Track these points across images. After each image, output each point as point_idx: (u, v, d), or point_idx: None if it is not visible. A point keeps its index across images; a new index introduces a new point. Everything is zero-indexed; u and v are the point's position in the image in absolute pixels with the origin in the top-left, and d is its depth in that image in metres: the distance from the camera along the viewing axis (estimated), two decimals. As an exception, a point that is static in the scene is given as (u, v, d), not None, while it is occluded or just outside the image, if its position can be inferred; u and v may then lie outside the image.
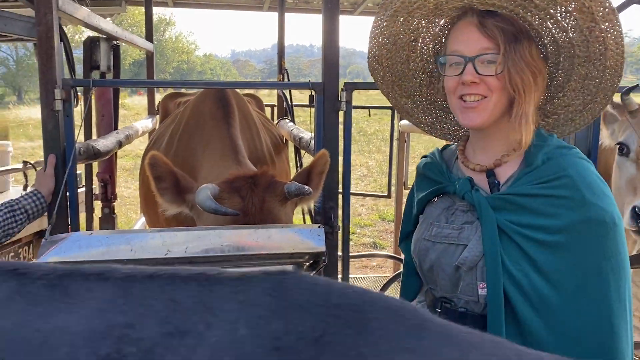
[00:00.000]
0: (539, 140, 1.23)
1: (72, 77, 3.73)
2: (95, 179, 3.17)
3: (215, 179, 1.88)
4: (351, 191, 2.33)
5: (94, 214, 3.10)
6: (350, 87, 2.00)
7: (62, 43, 3.65)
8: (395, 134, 3.96)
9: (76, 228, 1.99)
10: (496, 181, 1.27)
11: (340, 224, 2.06)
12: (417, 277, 1.39)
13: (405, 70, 1.35)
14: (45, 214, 1.87)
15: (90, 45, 2.84)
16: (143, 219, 3.79)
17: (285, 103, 3.82)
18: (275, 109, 4.35)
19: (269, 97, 5.89)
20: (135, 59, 33.40)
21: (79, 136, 2.05)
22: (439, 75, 1.33)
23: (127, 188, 8.99)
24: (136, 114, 18.09)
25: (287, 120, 3.59)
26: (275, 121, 3.92)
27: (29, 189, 3.26)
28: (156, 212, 2.49)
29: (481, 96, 1.17)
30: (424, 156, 1.45)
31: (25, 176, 3.21)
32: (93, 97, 2.91)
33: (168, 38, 44.09)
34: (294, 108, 3.80)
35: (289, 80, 4.03)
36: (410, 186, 1.49)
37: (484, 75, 1.15)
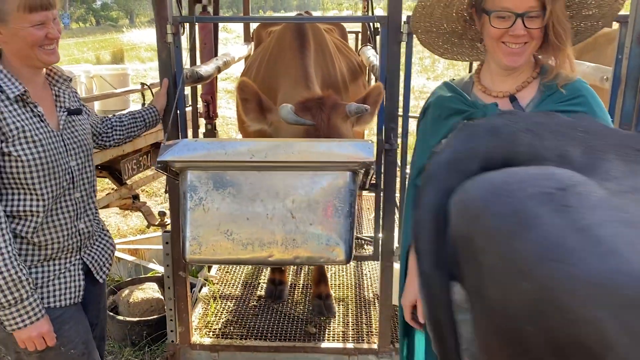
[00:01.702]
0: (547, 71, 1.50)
1: (180, 12, 4.22)
2: (199, 100, 3.68)
3: (289, 101, 2.26)
4: (412, 114, 2.64)
5: (198, 130, 3.64)
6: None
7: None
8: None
9: (184, 137, 2.50)
10: (520, 104, 1.55)
11: (399, 142, 2.39)
12: None
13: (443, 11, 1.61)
14: (159, 125, 2.39)
15: (194, -19, 3.24)
16: (239, 136, 4.30)
17: (368, 30, 4.06)
18: (359, 35, 4.59)
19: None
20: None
21: (186, 63, 2.50)
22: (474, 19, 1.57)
23: (229, 109, 9.68)
24: (237, 36, 18.75)
25: (369, 47, 3.85)
26: (360, 48, 4.19)
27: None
28: (245, 128, 2.96)
29: (523, 43, 1.44)
30: (437, 90, 1.71)
31: (143, 96, 3.79)
32: (197, 29, 3.35)
33: (268, -42, 43.76)
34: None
35: (372, 7, 4.24)
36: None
37: (530, 29, 1.42)
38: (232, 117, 9.00)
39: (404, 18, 2.23)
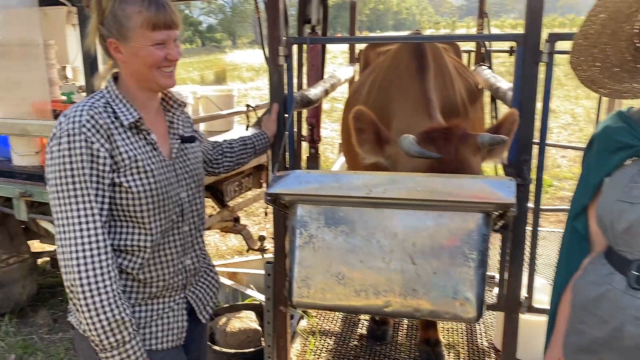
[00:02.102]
0: None
1: (286, 32, 4.16)
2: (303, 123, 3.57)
3: (407, 130, 2.05)
4: (549, 142, 2.31)
5: (301, 153, 3.52)
6: (554, 37, 1.96)
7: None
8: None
9: (294, 164, 2.35)
10: None
11: (533, 176, 2.09)
12: (586, 242, 1.45)
13: (609, 39, 1.35)
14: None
15: (304, 2, 3.14)
16: (341, 159, 4.16)
17: (483, 49, 3.77)
18: (473, 54, 4.30)
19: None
20: (332, 3, 34.36)
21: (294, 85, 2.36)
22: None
23: (325, 129, 9.64)
24: (333, 57, 18.89)
25: (484, 67, 3.56)
26: (472, 67, 3.90)
27: (250, 129, 3.80)
28: (356, 158, 2.78)
29: None
30: (607, 120, 1.44)
31: (247, 117, 3.75)
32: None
33: (366, -21, 44.24)
34: (493, 53, 3.73)
35: (489, 24, 3.94)
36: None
37: None
38: (328, 137, 8.94)
39: (544, 35, 1.95)
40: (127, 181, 1.45)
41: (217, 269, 3.91)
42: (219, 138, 2.12)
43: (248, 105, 3.74)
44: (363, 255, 1.68)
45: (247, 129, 3.87)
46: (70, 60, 4.55)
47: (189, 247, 1.67)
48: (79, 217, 1.37)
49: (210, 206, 5.53)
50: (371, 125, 1.94)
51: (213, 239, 5.06)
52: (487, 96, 3.45)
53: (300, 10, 3.18)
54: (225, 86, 5.05)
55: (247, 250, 3.78)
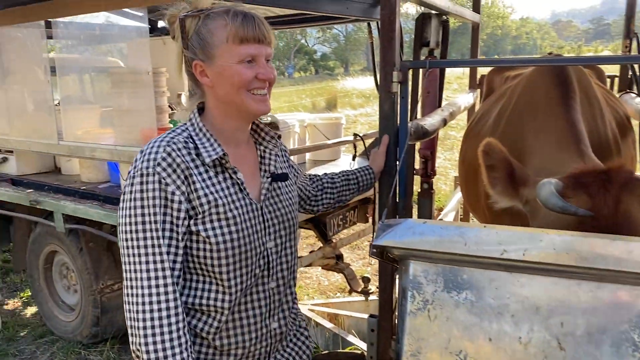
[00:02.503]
0: None
1: (401, 56, 3.89)
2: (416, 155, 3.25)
3: (549, 170, 1.67)
4: None
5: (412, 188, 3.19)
6: None
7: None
8: None
9: (404, 205, 2.05)
10: None
11: None
12: None
13: None
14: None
15: (422, 22, 2.85)
16: (457, 195, 3.76)
17: (631, 73, 3.24)
18: (617, 80, 3.73)
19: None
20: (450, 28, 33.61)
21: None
22: None
23: (437, 158, 9.18)
24: (447, 82, 18.29)
25: (633, 95, 3.03)
26: (617, 95, 3.36)
27: (357, 159, 3.55)
28: (477, 195, 2.41)
29: None
30: None
31: (355, 147, 3.50)
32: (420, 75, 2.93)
33: (484, 4, 43.07)
34: None
35: (638, 46, 3.39)
36: None
37: None
38: (440, 167, 8.47)
39: None
40: (205, 230, 1.23)
41: (318, 308, 3.68)
42: (325, 168, 1.90)
43: (356, 135, 3.51)
44: (493, 332, 1.33)
45: (353, 159, 3.64)
46: (185, 89, 4.61)
47: (276, 306, 1.41)
48: (147, 271, 1.17)
49: (308, 237, 5.36)
50: (504, 162, 1.59)
51: (315, 273, 4.84)
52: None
53: (417, 32, 2.89)
54: (334, 114, 4.89)
55: (350, 292, 3.49)
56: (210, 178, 1.26)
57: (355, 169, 1.94)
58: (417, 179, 3.29)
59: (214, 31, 1.26)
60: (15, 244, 3.82)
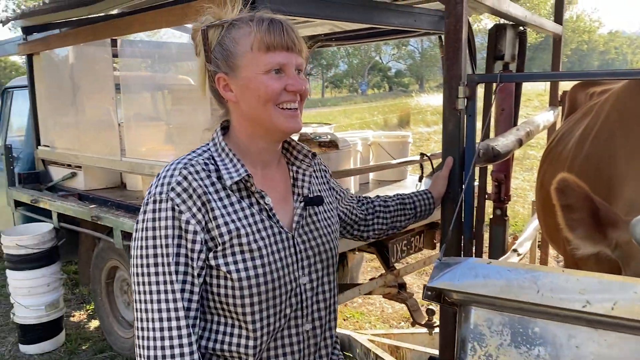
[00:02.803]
0: None
1: (473, 69, 3.63)
2: (488, 177, 2.98)
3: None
4: None
5: (483, 214, 2.92)
6: None
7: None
8: None
9: (469, 237, 1.82)
10: None
11: None
12: None
13: None
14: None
15: (496, 34, 2.62)
16: (534, 223, 3.44)
17: None
18: None
19: None
20: (530, 43, 32.42)
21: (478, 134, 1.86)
22: None
23: (515, 178, 8.69)
24: (527, 99, 17.50)
25: None
26: None
27: (424, 180, 3.32)
28: (557, 225, 2.13)
29: None
30: None
31: (421, 167, 3.29)
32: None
33: (568, 18, 41.24)
34: None
35: None
36: None
37: None
38: (519, 188, 7.99)
39: None
40: (226, 264, 1.08)
41: (378, 339, 3.45)
42: (389, 189, 1.71)
43: (423, 154, 3.29)
44: (571, 402, 1.10)
45: (420, 181, 3.41)
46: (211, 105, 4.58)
47: (311, 352, 1.23)
48: (159, 311, 1.03)
49: (373, 260, 5.13)
50: (585, 201, 1.33)
51: (378, 299, 4.61)
52: None
53: (490, 44, 2.65)
54: (400, 131, 4.68)
55: (412, 325, 3.25)
56: (232, 204, 1.11)
57: (413, 193, 1.75)
58: (489, 204, 3.03)
59: (238, 40, 1.12)
60: (80, 258, 3.89)
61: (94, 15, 3.29)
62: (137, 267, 1.06)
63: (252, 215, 1.13)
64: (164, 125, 3.31)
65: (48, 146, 4.06)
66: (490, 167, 2.92)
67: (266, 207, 1.15)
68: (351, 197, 1.58)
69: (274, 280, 1.11)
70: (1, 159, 4.38)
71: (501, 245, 2.86)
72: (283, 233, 1.16)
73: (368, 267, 5.25)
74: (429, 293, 1.26)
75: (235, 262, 1.08)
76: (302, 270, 1.19)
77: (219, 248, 1.08)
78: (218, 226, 1.08)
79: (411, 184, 3.82)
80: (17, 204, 4.05)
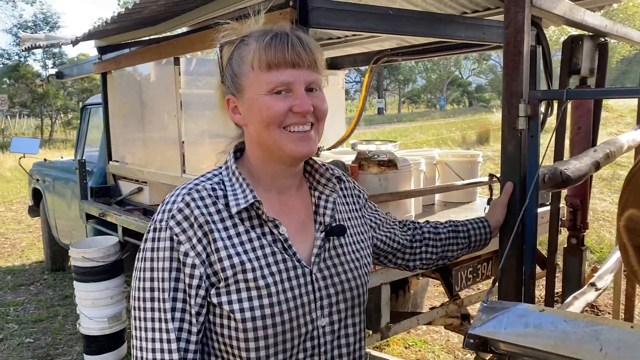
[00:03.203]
0: None
1: (549, 85, 3.36)
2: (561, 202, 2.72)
3: None
4: None
5: (556, 242, 2.66)
6: None
7: (539, 46, 3.32)
8: None
9: (530, 274, 1.62)
10: None
11: None
12: None
13: None
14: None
15: (571, 46, 2.38)
16: (616, 253, 3.11)
17: None
18: None
19: None
20: (624, 55, 30.35)
21: (544, 155, 1.66)
22: None
23: (602, 200, 8.07)
24: (619, 116, 16.34)
25: None
26: None
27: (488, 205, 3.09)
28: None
29: None
30: None
31: (491, 189, 3.06)
32: (569, 108, 2.46)
33: (666, 28, 38.34)
34: None
35: None
36: None
37: None
38: (606, 211, 7.40)
39: None
40: (230, 302, 0.97)
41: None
42: (456, 212, 1.55)
43: (492, 175, 3.07)
44: None
45: (488, 204, 3.18)
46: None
47: None
48: (153, 351, 0.95)
49: (436, 289, 4.86)
50: None
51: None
52: None
53: (565, 57, 2.42)
54: (469, 150, 4.42)
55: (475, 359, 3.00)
56: (238, 234, 1.00)
57: (467, 220, 1.57)
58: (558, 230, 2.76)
59: (244, 58, 1.03)
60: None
61: (159, 36, 3.37)
62: (134, 299, 0.99)
63: (262, 247, 1.01)
64: (222, 142, 3.30)
65: (118, 161, 4.20)
66: (564, 191, 2.66)
67: (280, 237, 1.04)
68: (393, 221, 1.43)
69: (284, 322, 0.99)
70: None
71: (577, 279, 2.58)
72: (299, 268, 1.04)
73: (436, 291, 5.01)
74: (471, 341, 1.10)
75: (240, 301, 0.97)
76: (321, 310, 1.06)
77: (222, 284, 0.97)
78: (220, 259, 0.97)
79: (481, 206, 3.58)
80: (88, 216, 4.21)
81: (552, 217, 2.62)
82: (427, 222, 1.55)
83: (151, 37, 3.45)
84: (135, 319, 0.98)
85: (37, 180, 5.74)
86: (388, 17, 2.64)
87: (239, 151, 1.14)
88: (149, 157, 3.75)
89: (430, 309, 2.94)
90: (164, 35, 3.37)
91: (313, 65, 1.03)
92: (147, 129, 3.76)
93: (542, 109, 3.34)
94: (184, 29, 3.24)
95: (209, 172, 1.10)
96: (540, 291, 3.84)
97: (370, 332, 2.74)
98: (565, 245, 2.64)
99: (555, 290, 2.72)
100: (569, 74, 2.44)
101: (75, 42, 3.58)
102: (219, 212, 1.01)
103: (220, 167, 1.11)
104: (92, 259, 3.55)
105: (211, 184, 1.04)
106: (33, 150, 5.21)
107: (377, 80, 44.26)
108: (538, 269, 3.76)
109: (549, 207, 2.69)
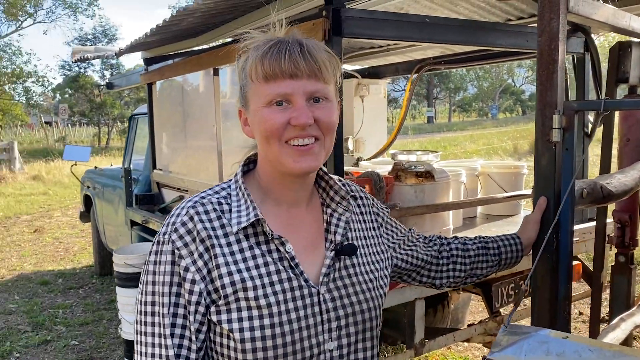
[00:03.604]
0: None
1: (599, 94, 3.21)
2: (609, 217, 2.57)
3: None
4: None
5: (605, 259, 2.52)
6: None
7: (588, 54, 3.17)
8: None
9: (565, 295, 1.53)
10: None
11: None
12: None
13: None
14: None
15: (619, 53, 2.26)
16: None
17: None
18: None
19: None
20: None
21: (579, 170, 1.57)
22: None
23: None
24: (684, 125, 15.48)
25: None
26: None
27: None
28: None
29: None
30: None
31: (534, 203, 2.95)
32: (617, 119, 2.33)
33: None
34: None
35: None
36: None
37: None
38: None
39: None
40: (229, 321, 0.94)
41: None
42: (499, 225, 1.48)
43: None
44: None
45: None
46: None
47: None
48: None
49: (479, 304, 4.70)
50: None
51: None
52: None
53: (611, 65, 2.30)
54: (514, 162, 4.26)
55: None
56: (241, 250, 0.97)
57: (498, 237, 1.50)
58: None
59: (244, 69, 1.02)
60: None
61: (200, 47, 3.43)
62: (136, 313, 0.98)
63: (266, 264, 0.98)
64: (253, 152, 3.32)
65: (162, 170, 4.29)
66: (612, 206, 2.52)
67: (287, 256, 1.00)
68: (416, 238, 1.37)
69: (286, 344, 0.95)
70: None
71: (625, 299, 2.43)
72: (306, 287, 0.99)
73: (480, 306, 4.86)
74: (489, 367, 1.04)
75: (240, 320, 0.93)
76: (329, 333, 1.01)
77: (222, 302, 0.95)
78: (221, 276, 0.95)
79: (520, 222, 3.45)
80: (133, 223, 4.32)
81: (598, 233, 2.48)
82: (456, 237, 1.48)
83: (192, 48, 3.52)
84: (136, 333, 0.97)
85: (88, 187, 5.96)
86: (425, 26, 2.58)
87: (253, 162, 1.11)
88: (189, 165, 3.82)
89: (468, 325, 2.84)
90: (204, 46, 3.43)
91: (315, 74, 0.97)
92: (188, 138, 3.83)
93: (592, 118, 3.20)
94: (223, 40, 3.29)
95: (217, 185, 1.08)
96: (586, 309, 3.65)
97: (404, 348, 2.67)
98: (613, 264, 2.50)
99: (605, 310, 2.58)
100: (616, 82, 2.32)
101: (119, 54, 3.69)
102: (223, 226, 0.98)
103: (230, 180, 1.09)
104: (134, 265, 3.63)
105: (217, 198, 1.02)
106: (84, 158, 5.41)
107: (427, 89, 43.75)
108: (586, 287, 3.58)
109: (594, 223, 2.55)
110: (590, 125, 3.10)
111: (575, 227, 2.91)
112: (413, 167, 2.84)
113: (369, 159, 4.42)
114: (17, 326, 4.62)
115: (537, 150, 1.52)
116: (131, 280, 3.66)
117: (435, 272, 1.38)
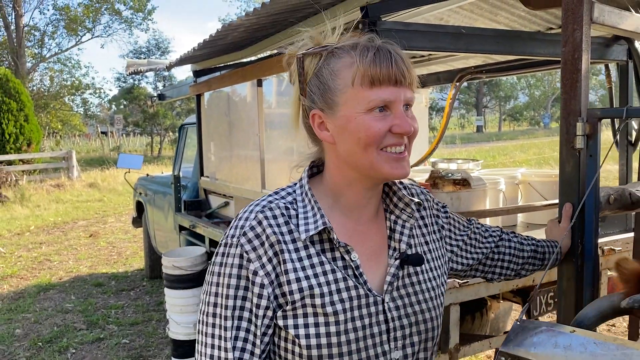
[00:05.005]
0: None
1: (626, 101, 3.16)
2: None
3: None
4: None
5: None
6: None
7: (631, 62, 3.14)
8: None
9: (590, 299, 1.56)
10: None
11: None
12: None
13: None
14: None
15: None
16: None
17: None
18: None
19: None
20: None
21: (627, 178, 1.60)
22: None
23: None
24: None
25: None
26: None
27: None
28: None
29: None
30: None
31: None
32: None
33: None
34: None
35: None
36: None
37: None
38: None
39: None
40: (295, 326, 0.94)
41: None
42: (539, 234, 1.52)
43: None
44: None
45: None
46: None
47: None
48: None
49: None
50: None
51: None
52: None
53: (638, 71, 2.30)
54: (556, 170, 4.22)
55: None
56: (309, 256, 0.97)
57: (545, 242, 1.52)
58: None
59: (338, 72, 0.98)
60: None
61: (245, 60, 3.60)
62: (199, 313, 1.01)
63: (333, 271, 0.98)
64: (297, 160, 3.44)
65: (209, 177, 4.48)
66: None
67: (352, 264, 1.00)
68: (476, 232, 1.33)
69: (351, 352, 0.95)
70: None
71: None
72: (371, 296, 0.99)
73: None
74: (502, 358, 1.10)
75: (306, 326, 0.94)
76: (394, 342, 1.00)
77: (289, 307, 0.95)
78: (289, 282, 0.95)
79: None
80: (181, 228, 4.52)
81: (637, 243, 2.46)
82: (514, 234, 1.46)
83: (238, 61, 3.69)
84: (198, 333, 0.99)
85: (140, 193, 6.24)
86: (461, 37, 2.64)
87: (316, 167, 1.09)
88: (234, 173, 3.98)
89: (504, 333, 2.85)
90: (249, 59, 3.59)
91: (413, 82, 0.98)
92: (233, 146, 3.99)
93: (636, 126, 3.16)
94: (267, 53, 3.44)
95: (283, 189, 1.08)
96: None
97: (439, 353, 2.71)
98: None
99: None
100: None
101: (169, 67, 3.91)
102: (290, 232, 0.99)
103: (295, 184, 1.08)
104: (181, 267, 3.81)
105: (284, 203, 1.02)
106: (137, 166, 5.69)
107: (476, 97, 43.04)
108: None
109: (632, 234, 2.53)
110: (634, 134, 3.06)
111: (618, 236, 2.89)
112: (450, 174, 2.89)
113: (410, 167, 4.47)
114: (73, 324, 4.90)
115: (562, 157, 1.56)
116: (179, 282, 3.84)
117: (488, 267, 1.36)
